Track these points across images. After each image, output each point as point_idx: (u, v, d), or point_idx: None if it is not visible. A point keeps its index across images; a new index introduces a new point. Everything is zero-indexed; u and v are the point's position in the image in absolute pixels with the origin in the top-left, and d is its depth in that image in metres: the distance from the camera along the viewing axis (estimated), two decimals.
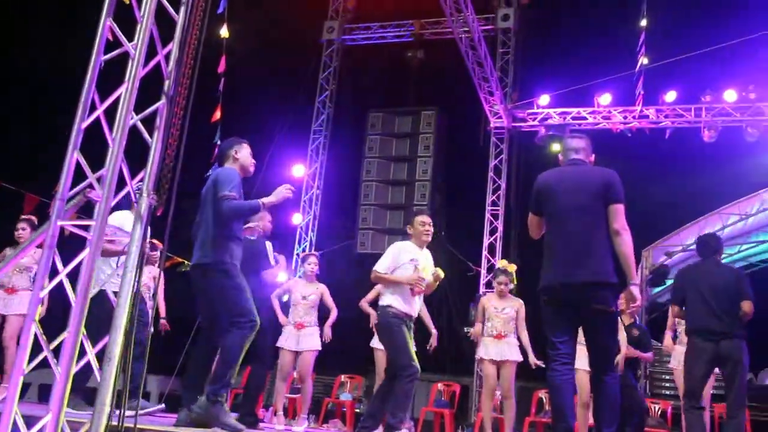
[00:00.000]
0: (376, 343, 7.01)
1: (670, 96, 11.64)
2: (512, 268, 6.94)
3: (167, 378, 7.88)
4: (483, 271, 11.77)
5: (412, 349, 5.02)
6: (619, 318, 6.69)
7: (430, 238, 5.32)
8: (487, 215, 12.15)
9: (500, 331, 6.55)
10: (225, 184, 4.28)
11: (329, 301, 6.68)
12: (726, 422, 4.99)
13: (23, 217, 6.49)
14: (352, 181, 12.57)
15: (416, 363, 4.94)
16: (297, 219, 12.57)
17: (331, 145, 13.08)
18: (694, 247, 5.74)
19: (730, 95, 11.34)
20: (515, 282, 6.72)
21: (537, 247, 4.11)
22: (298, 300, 6.60)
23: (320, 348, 6.56)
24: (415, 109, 12.45)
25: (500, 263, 7.21)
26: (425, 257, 5.27)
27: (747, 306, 5.03)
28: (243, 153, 4.61)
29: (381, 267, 5.16)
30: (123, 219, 4.92)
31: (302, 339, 6.48)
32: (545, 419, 8.11)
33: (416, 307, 5.26)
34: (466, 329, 7.54)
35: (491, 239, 12.03)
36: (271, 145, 11.37)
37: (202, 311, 4.53)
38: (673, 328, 6.50)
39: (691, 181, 11.99)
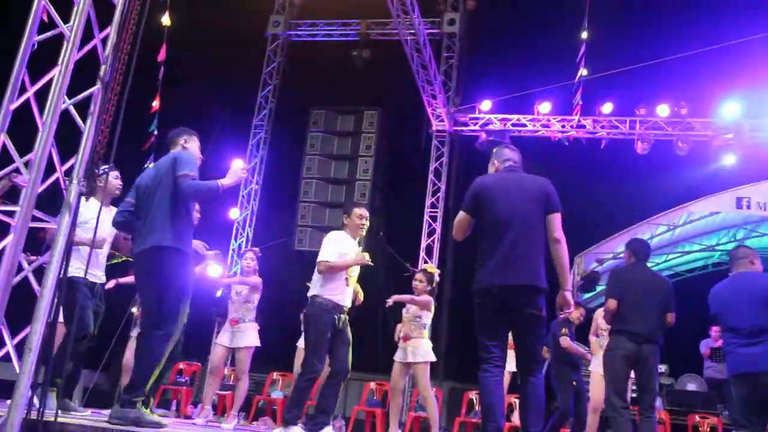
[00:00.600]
0: (302, 342, 6.90)
1: (607, 108, 11.97)
2: (433, 269, 6.97)
3: (92, 373, 7.67)
4: (437, 275, 11.83)
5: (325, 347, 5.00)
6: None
7: (364, 232, 5.32)
8: (426, 217, 12.24)
9: (406, 332, 6.49)
10: (186, 164, 4.17)
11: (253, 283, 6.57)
12: (641, 422, 5.13)
13: None
14: (292, 178, 12.49)
15: (320, 366, 4.94)
16: (234, 214, 12.39)
17: (272, 141, 12.94)
18: (623, 254, 5.84)
19: (663, 110, 11.73)
20: (434, 285, 6.72)
21: (474, 250, 4.13)
22: (232, 296, 6.52)
23: (257, 345, 6.46)
24: (358, 108, 12.46)
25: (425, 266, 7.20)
26: (358, 251, 5.27)
27: (671, 318, 5.25)
28: (192, 145, 4.51)
29: (330, 255, 5.11)
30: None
31: (236, 336, 6.38)
32: (475, 419, 8.21)
33: (348, 297, 5.24)
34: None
35: (429, 241, 12.12)
36: (210, 137, 11.17)
37: (149, 299, 4.23)
38: (596, 332, 6.61)
39: (624, 191, 12.35)
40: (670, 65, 11.48)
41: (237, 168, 4.41)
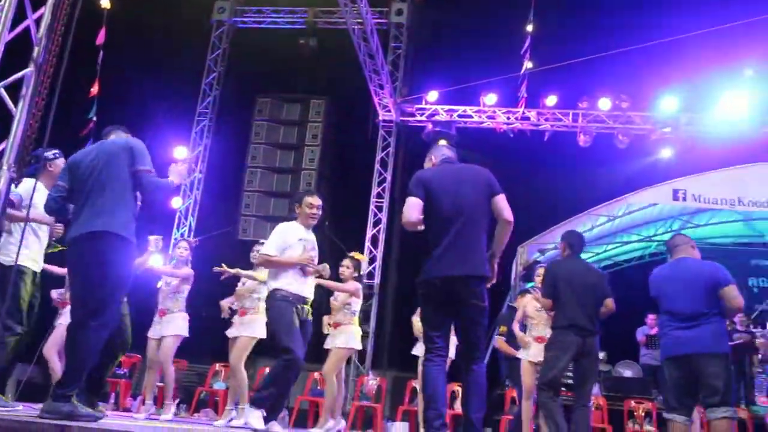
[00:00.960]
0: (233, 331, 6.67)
1: (551, 100, 12.17)
2: (361, 257, 6.97)
3: (26, 366, 7.44)
4: (364, 263, 11.85)
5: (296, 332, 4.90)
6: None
7: (316, 221, 5.27)
8: (372, 207, 12.25)
9: (336, 320, 6.48)
10: (145, 158, 4.05)
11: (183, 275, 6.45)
12: (576, 411, 5.23)
13: None
14: (236, 167, 12.33)
15: (299, 352, 4.82)
16: (177, 203, 12.15)
17: (217, 129, 12.72)
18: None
19: (604, 103, 11.99)
20: (360, 272, 6.73)
21: (419, 240, 4.14)
22: (162, 286, 6.43)
23: (184, 334, 6.35)
24: (305, 97, 12.39)
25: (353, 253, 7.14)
26: (313, 239, 5.22)
27: (611, 303, 5.39)
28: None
29: (270, 249, 5.04)
30: (29, 187, 4.49)
31: (164, 325, 6.30)
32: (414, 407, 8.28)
33: (309, 288, 5.17)
34: None
35: (374, 231, 12.13)
36: (152, 124, 10.93)
37: (86, 286, 4.00)
38: (522, 320, 6.69)
39: (566, 183, 12.57)
40: (613, 59, 11.71)
41: (181, 168, 4.34)
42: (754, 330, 9.54)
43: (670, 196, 11.24)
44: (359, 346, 6.53)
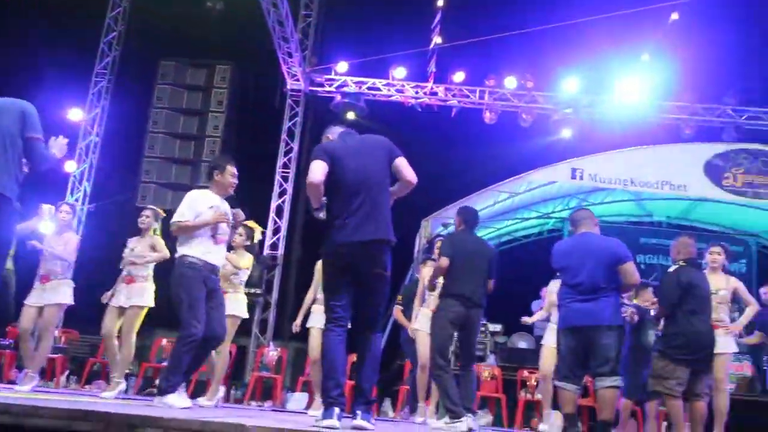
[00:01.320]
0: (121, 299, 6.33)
1: (459, 77, 12.30)
2: (255, 226, 6.87)
3: None
4: (269, 233, 11.72)
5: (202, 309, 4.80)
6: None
7: (233, 191, 5.15)
8: (278, 177, 12.08)
9: (224, 288, 6.31)
10: (37, 125, 3.88)
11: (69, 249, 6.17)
12: (462, 376, 5.39)
13: None
14: (136, 132, 11.87)
15: (200, 327, 4.73)
16: (71, 167, 11.51)
17: (116, 91, 12.08)
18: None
19: (510, 82, 12.23)
20: (254, 241, 6.67)
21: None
22: (45, 252, 6.08)
23: (69, 302, 6.09)
24: (211, 62, 12.02)
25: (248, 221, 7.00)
26: (226, 208, 5.10)
27: (491, 285, 5.57)
28: None
29: (182, 216, 4.89)
30: None
31: (47, 292, 6.01)
32: (311, 379, 8.30)
33: (220, 257, 5.07)
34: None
35: (280, 201, 11.99)
36: (44, 83, 10.32)
37: None
38: (423, 295, 6.78)
39: (471, 159, 12.82)
40: (520, 39, 11.96)
41: (61, 143, 4.16)
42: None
43: (568, 174, 11.65)
44: (245, 315, 6.43)
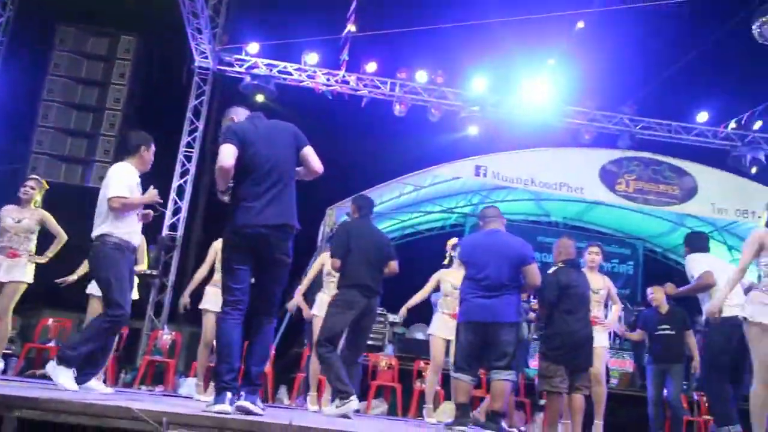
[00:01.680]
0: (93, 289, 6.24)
1: (371, 67, 12.31)
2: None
3: None
4: (169, 213, 11.35)
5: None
6: None
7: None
8: (180, 156, 11.72)
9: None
10: None
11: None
12: (351, 366, 5.41)
13: None
14: (29, 99, 11.15)
15: (127, 308, 4.67)
16: None
17: (8, 55, 11.32)
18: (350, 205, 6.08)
19: (421, 76, 12.36)
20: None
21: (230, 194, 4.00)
22: (7, 224, 5.88)
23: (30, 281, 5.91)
24: (115, 31, 11.46)
25: None
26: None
27: (395, 265, 5.60)
28: None
29: (122, 192, 4.72)
30: None
31: (13, 269, 5.80)
32: (212, 364, 8.10)
33: (139, 237, 5.00)
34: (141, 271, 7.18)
35: (181, 181, 11.63)
36: None
37: None
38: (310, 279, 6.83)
39: (379, 150, 12.85)
40: (433, 34, 12.07)
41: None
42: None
43: (472, 171, 11.89)
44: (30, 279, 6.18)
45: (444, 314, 6.90)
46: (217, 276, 6.20)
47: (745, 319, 4.69)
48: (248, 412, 3.54)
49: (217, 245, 6.21)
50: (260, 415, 3.53)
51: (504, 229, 5.52)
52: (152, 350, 8.74)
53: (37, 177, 6.31)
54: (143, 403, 3.25)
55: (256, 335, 3.94)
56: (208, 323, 6.36)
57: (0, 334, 5.76)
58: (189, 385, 7.69)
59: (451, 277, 6.81)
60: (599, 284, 6.44)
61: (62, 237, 6.00)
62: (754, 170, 12.71)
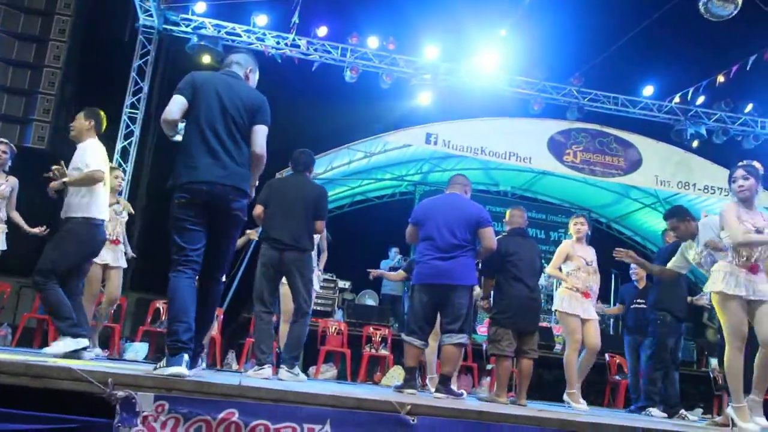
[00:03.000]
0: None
1: (322, 31, 12.10)
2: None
3: None
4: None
5: None
6: None
7: None
8: (124, 117, 11.35)
9: (112, 236, 6.29)
10: None
11: None
12: (291, 327, 5.37)
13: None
14: None
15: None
16: None
17: None
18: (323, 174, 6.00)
19: (372, 42, 12.21)
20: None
21: (173, 158, 3.86)
22: None
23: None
24: None
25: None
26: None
27: (320, 225, 5.48)
28: None
29: (100, 167, 4.88)
30: None
31: None
32: (160, 329, 7.97)
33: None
34: None
35: (125, 143, 11.29)
36: None
37: None
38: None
39: (329, 115, 12.67)
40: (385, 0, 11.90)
41: None
42: None
43: (423, 139, 11.86)
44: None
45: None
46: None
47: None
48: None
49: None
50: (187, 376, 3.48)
51: (467, 195, 5.54)
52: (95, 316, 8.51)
53: (6, 141, 6.10)
54: (87, 364, 3.15)
55: (204, 297, 3.81)
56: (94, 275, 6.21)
57: None
58: (135, 349, 7.55)
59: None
60: (591, 255, 6.34)
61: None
62: (695, 144, 13.06)
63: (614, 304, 10.39)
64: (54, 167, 4.76)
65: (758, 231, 4.45)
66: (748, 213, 4.56)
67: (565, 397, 6.06)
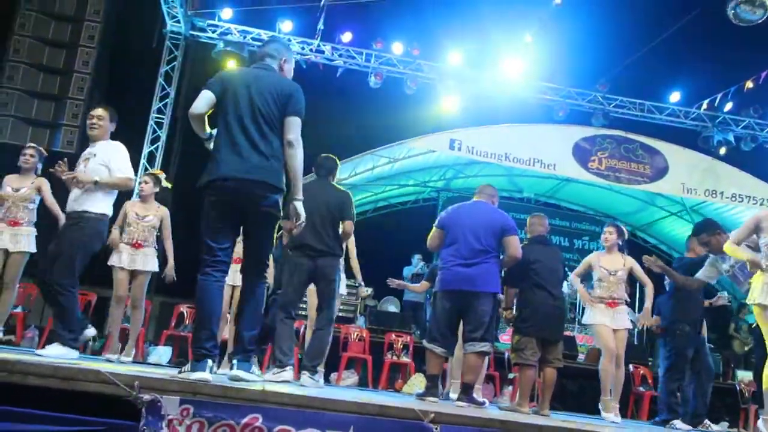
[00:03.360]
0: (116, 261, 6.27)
1: (347, 37, 12.14)
2: (158, 172, 6.71)
3: None
4: (138, 179, 11.13)
5: None
6: None
7: None
8: (151, 122, 11.49)
9: (137, 239, 6.27)
10: None
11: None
12: (316, 331, 5.30)
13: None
14: None
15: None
16: None
17: None
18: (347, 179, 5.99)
19: (397, 47, 12.23)
20: (161, 188, 6.50)
21: (199, 162, 3.87)
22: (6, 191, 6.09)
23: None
24: None
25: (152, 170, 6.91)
26: None
27: (349, 226, 5.34)
28: None
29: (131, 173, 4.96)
30: None
31: (17, 238, 6.02)
32: (184, 333, 8.03)
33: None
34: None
35: (152, 147, 11.42)
36: None
37: None
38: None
39: (353, 121, 12.69)
40: (410, 5, 11.91)
41: None
42: None
43: (447, 145, 11.85)
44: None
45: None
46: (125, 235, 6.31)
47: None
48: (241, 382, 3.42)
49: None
50: (253, 381, 3.49)
51: (494, 205, 5.54)
52: (123, 319, 8.59)
53: (35, 145, 6.28)
54: (114, 367, 3.19)
55: (247, 297, 3.78)
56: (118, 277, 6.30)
57: (7, 303, 5.89)
58: (159, 353, 7.61)
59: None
60: (618, 264, 6.28)
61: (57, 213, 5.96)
62: (723, 151, 12.87)
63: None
64: (60, 162, 4.82)
65: None
66: None
67: (600, 404, 6.08)
